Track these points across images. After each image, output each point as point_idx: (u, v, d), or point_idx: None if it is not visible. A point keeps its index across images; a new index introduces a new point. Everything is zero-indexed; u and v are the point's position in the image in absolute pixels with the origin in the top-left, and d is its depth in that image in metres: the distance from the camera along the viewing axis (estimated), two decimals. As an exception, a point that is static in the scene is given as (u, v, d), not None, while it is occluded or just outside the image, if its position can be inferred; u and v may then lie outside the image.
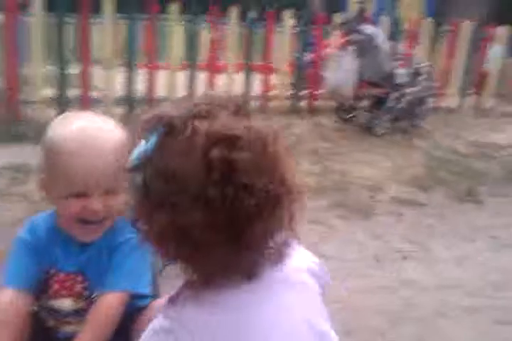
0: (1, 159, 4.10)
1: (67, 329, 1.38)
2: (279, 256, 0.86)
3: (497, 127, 6.26)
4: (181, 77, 5.72)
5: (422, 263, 3.11)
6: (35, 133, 4.69)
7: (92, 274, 1.34)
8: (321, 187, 4.10)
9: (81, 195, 1.23)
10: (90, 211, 1.24)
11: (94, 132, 1.25)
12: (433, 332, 2.48)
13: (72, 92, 5.34)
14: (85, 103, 5.22)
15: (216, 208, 0.75)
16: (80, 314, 1.36)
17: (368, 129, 5.56)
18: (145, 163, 0.81)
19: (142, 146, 0.81)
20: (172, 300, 0.87)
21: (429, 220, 3.70)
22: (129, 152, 0.85)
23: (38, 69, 5.07)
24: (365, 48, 5.51)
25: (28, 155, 4.27)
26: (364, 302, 2.65)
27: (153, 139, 0.80)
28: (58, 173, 1.23)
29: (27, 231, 1.37)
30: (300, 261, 0.93)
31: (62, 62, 5.14)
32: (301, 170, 4.44)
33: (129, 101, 5.44)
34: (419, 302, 2.70)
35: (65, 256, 1.34)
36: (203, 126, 0.77)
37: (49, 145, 1.25)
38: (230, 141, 0.76)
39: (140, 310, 1.35)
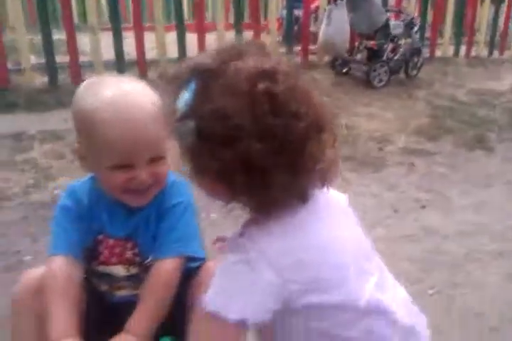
0: (-3, 129, 3.96)
1: (122, 293, 1.31)
2: (326, 179, 0.92)
3: (493, 75, 6.20)
4: (169, 39, 5.54)
5: (440, 211, 3.08)
6: (26, 101, 4.57)
7: (142, 240, 1.26)
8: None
9: (125, 166, 1.14)
10: (137, 182, 1.16)
11: (127, 98, 1.15)
12: (464, 276, 2.46)
13: (60, 59, 5.17)
14: (74, 68, 5.05)
15: (272, 136, 0.82)
16: (133, 279, 1.29)
17: (365, 82, 5.46)
18: (194, 109, 0.84)
19: (185, 95, 0.85)
20: (239, 238, 0.91)
21: (441, 169, 3.66)
22: (165, 111, 0.90)
23: (22, 36, 4.86)
24: (357, 1, 5.37)
25: (24, 123, 4.16)
26: (391, 251, 2.61)
27: (193, 87, 0.85)
28: (98, 145, 1.14)
29: (68, 198, 1.28)
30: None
31: (46, 29, 4.93)
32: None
33: (118, 64, 5.27)
34: (445, 249, 2.67)
35: (112, 222, 1.27)
36: (240, 65, 0.83)
37: (82, 115, 1.15)
38: (269, 76, 0.83)
39: (192, 272, 1.29)
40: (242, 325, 0.86)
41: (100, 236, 1.28)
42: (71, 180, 3.06)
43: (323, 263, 0.90)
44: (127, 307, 1.20)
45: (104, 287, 1.32)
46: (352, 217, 1.05)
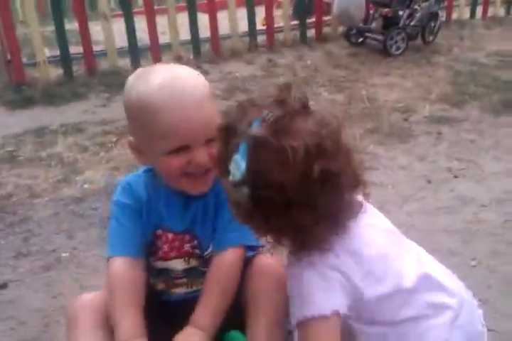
0: (17, 125, 3.95)
1: (179, 291, 1.30)
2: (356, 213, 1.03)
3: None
4: (179, 21, 5.45)
5: (474, 180, 3.02)
6: (43, 94, 4.55)
7: (201, 231, 1.24)
8: (350, 115, 3.96)
9: (183, 149, 1.13)
10: (195, 164, 1.14)
11: (179, 82, 1.15)
12: (506, 245, 2.42)
13: (72, 49, 5.13)
14: (88, 59, 5.01)
15: (322, 206, 0.91)
16: (191, 274, 1.28)
17: (382, 51, 5.35)
18: (248, 177, 0.89)
19: (239, 161, 0.90)
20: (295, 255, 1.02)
21: (469, 136, 3.58)
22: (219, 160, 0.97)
23: (36, 29, 4.82)
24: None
25: (43, 117, 4.15)
26: (428, 224, 2.58)
27: (245, 153, 0.89)
28: (154, 132, 1.12)
29: (123, 194, 1.25)
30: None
31: (59, 20, 4.88)
32: (324, 101, 4.30)
33: (131, 51, 5.22)
34: (483, 219, 2.63)
35: (171, 215, 1.24)
36: (292, 143, 0.88)
37: (136, 104, 1.14)
38: (321, 153, 0.89)
39: (248, 261, 1.27)
40: (337, 316, 0.96)
41: (159, 231, 1.25)
42: (98, 173, 3.11)
43: (369, 256, 1.01)
44: (185, 305, 1.19)
45: (160, 285, 1.30)
46: (376, 212, 1.13)
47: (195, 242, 1.25)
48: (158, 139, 1.12)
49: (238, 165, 0.90)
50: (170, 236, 1.25)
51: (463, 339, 1.07)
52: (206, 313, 1.14)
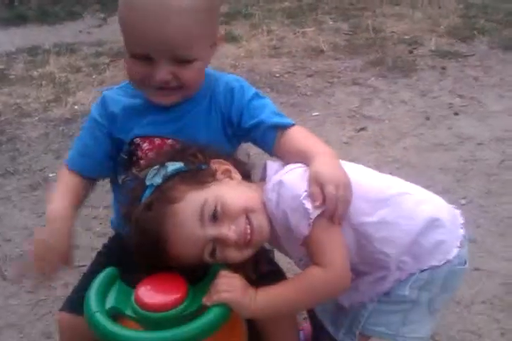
0: (9, 43, 3.82)
1: None
2: None
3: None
4: None
5: (474, 118, 2.95)
6: (37, 13, 4.39)
7: (188, 137, 1.13)
8: (353, 45, 3.83)
9: (145, 58, 1.05)
10: (153, 80, 1.07)
11: None
12: (500, 184, 2.38)
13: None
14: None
15: None
16: None
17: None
18: None
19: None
20: None
21: (474, 72, 3.46)
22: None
23: None
24: None
25: (36, 36, 4.01)
26: (423, 160, 2.53)
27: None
28: (123, 29, 1.07)
29: (97, 108, 1.19)
30: None
31: None
32: (328, 30, 4.14)
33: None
34: (480, 157, 2.58)
35: (151, 122, 1.17)
36: None
37: (120, 5, 1.07)
38: None
39: None
40: None
41: (137, 140, 1.16)
42: (89, 94, 3.03)
43: None
44: None
45: None
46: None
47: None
48: (125, 38, 1.08)
49: None
50: (156, 141, 1.16)
51: None
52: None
